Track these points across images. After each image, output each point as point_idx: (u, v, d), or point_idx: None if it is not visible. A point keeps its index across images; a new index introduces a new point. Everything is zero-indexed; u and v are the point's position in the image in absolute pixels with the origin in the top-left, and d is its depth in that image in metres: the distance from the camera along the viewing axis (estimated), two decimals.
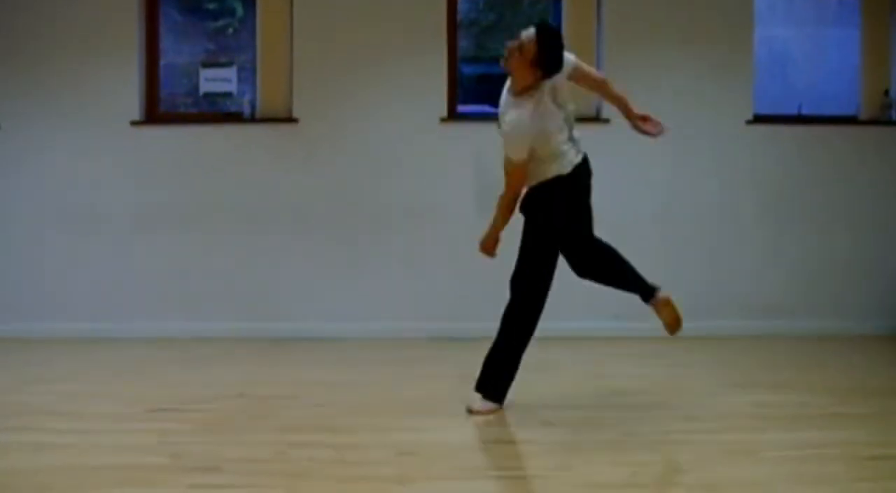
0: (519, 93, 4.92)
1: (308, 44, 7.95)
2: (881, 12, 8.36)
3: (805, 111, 8.43)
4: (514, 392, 5.21)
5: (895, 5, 8.34)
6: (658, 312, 5.06)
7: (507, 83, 5.06)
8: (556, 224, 5.01)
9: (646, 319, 7.87)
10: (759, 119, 8.16)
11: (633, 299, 7.76)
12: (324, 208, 7.97)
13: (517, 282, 5.20)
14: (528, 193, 5.10)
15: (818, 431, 4.63)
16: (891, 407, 5.19)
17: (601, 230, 7.62)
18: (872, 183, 8.16)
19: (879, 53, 8.34)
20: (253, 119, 8.04)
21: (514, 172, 4.95)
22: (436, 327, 7.88)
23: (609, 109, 7.94)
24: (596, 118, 8.05)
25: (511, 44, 4.91)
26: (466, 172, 8.00)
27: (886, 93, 8.27)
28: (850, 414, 4.93)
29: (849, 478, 3.86)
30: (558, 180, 4.95)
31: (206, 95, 8.18)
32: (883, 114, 8.24)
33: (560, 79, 4.95)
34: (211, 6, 8.55)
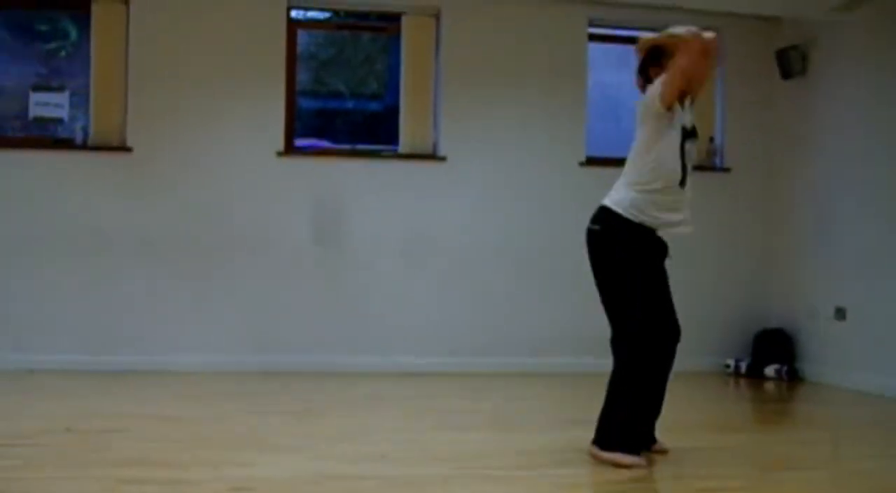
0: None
1: (144, 71, 7.80)
2: None
3: None
4: (349, 427, 5.18)
5: (720, 56, 8.68)
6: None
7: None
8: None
9: (480, 354, 8.06)
10: (591, 161, 8.37)
11: (468, 334, 7.90)
12: (160, 239, 7.81)
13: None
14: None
15: (650, 465, 4.75)
16: (719, 441, 5.36)
17: (441, 263, 7.73)
18: (699, 226, 8.41)
19: (705, 103, 8.66)
20: (85, 146, 7.83)
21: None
22: (272, 360, 7.81)
23: (445, 147, 8.08)
24: (433, 156, 8.14)
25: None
26: (304, 206, 7.98)
27: (711, 140, 8.61)
28: (681, 448, 5.06)
29: None
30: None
31: (37, 119, 7.94)
32: (708, 160, 8.58)
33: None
34: (43, 27, 8.33)
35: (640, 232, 4.65)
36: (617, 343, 4.71)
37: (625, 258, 4.66)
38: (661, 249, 4.78)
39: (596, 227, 4.74)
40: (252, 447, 5.02)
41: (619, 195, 4.69)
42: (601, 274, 4.73)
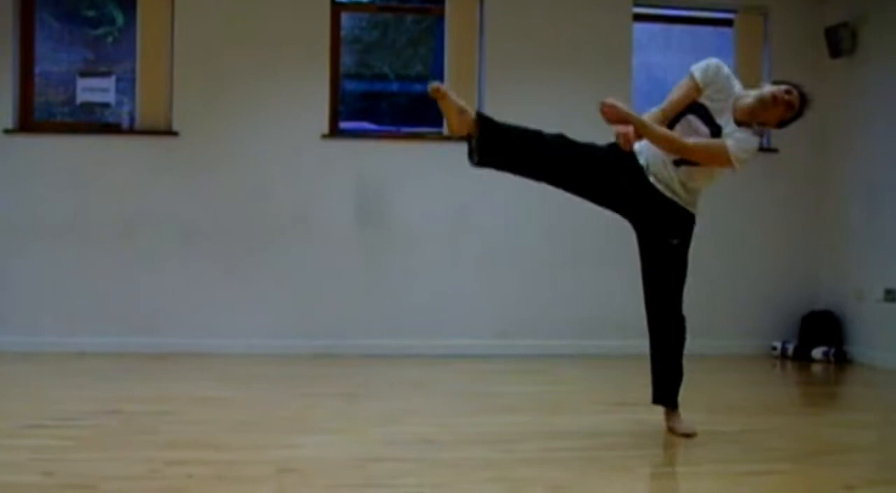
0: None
1: (189, 56, 7.85)
2: (754, 43, 8.61)
3: None
4: (393, 410, 5.20)
5: (767, 37, 8.61)
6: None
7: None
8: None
9: (527, 336, 8.05)
10: None
11: (515, 316, 7.91)
12: (205, 222, 7.87)
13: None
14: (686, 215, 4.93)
15: (692, 448, 4.73)
16: (765, 424, 5.33)
17: (486, 244, 7.77)
18: (747, 208, 8.40)
19: (752, 83, 8.53)
20: (132, 130, 7.90)
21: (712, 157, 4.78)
22: (318, 343, 7.85)
23: None
24: None
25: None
26: (347, 188, 8.00)
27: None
28: (726, 431, 5.05)
29: None
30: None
31: (84, 104, 8.02)
32: None
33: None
34: (90, 14, 8.39)
35: None
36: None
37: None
38: None
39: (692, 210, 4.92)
40: (297, 429, 5.07)
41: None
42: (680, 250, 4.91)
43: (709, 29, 9.16)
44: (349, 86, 8.75)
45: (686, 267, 4.91)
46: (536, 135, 4.86)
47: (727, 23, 8.73)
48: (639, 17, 8.56)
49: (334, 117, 8.13)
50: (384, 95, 9.33)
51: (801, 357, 8.15)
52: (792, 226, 8.60)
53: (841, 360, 8.04)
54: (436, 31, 8.74)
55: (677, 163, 4.77)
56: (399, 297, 8.03)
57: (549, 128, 8.08)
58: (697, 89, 4.80)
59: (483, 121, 4.67)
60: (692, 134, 4.76)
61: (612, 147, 4.85)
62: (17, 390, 6.12)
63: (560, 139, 4.91)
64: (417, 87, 9.79)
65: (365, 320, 7.99)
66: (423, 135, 8.40)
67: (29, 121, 7.90)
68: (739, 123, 4.76)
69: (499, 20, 8.18)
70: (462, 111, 4.60)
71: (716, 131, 4.76)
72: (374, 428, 5.10)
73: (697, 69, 4.82)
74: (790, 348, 8.24)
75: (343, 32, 8.33)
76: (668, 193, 4.83)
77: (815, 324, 8.26)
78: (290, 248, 7.97)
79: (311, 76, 8.01)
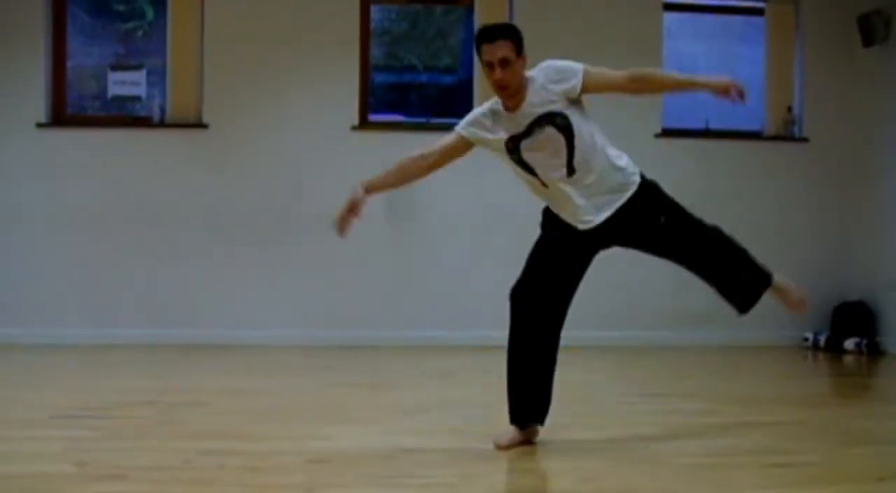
0: None
1: (219, 49, 7.89)
2: (785, 32, 8.56)
3: (712, 126, 8.60)
4: (423, 401, 5.21)
5: (799, 26, 8.55)
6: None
7: None
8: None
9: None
10: (666, 132, 8.31)
11: None
12: (235, 215, 7.91)
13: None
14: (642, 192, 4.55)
15: (725, 439, 4.72)
16: (796, 416, 5.30)
17: (514, 235, 7.77)
18: (778, 197, 8.36)
19: (783, 71, 8.54)
20: (162, 123, 7.95)
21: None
22: (347, 334, 7.87)
23: None
24: None
25: None
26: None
27: (790, 110, 8.47)
28: (757, 423, 5.03)
29: (754, 486, 3.93)
30: None
31: (115, 98, 8.07)
32: (786, 130, 8.44)
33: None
34: (120, 8, 8.44)
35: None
36: None
37: None
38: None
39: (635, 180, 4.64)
40: (327, 420, 5.09)
41: None
42: None
43: (739, 18, 9.10)
44: (378, 78, 8.75)
45: (678, 204, 4.58)
46: None
47: (758, 11, 8.67)
48: (669, 7, 8.52)
49: (364, 109, 8.15)
50: (413, 87, 9.32)
51: (832, 348, 8.10)
52: (823, 216, 8.54)
53: (873, 351, 7.98)
54: (465, 23, 8.73)
55: (570, 174, 4.40)
56: (427, 288, 8.05)
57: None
58: (465, 147, 4.62)
59: None
60: (547, 143, 4.38)
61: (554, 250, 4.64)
62: (48, 382, 6.19)
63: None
64: (447, 78, 9.77)
65: (393, 311, 8.01)
66: (453, 126, 8.37)
67: (61, 115, 7.96)
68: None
69: (528, 10, 8.16)
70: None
71: (561, 121, 4.41)
72: (404, 418, 5.12)
73: (461, 123, 4.58)
74: (822, 339, 8.19)
75: (372, 25, 8.34)
76: (618, 203, 4.47)
77: (847, 315, 8.21)
78: (319, 240, 7.95)
79: (340, 68, 8.03)
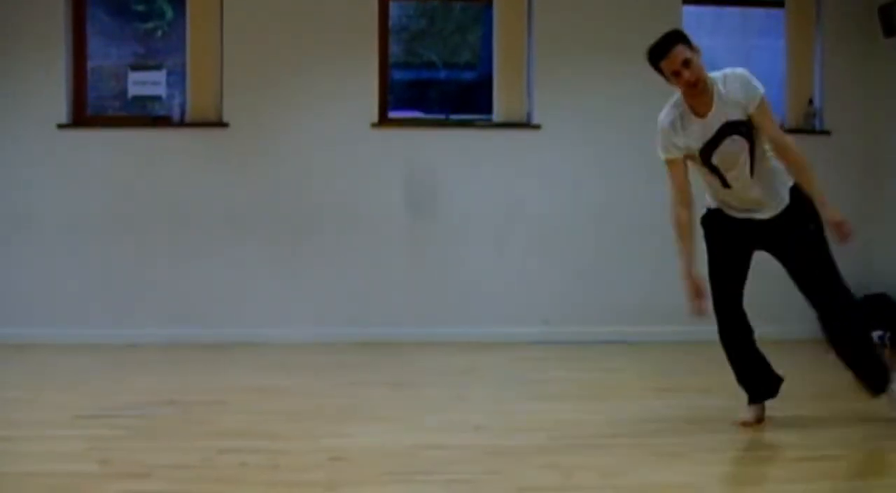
0: None
1: (238, 48, 7.89)
2: (805, 24, 8.51)
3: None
4: (443, 398, 5.22)
5: (819, 17, 8.50)
6: None
7: None
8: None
9: (573, 324, 8.03)
10: None
11: (561, 304, 7.91)
12: (255, 213, 7.91)
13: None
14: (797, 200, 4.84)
15: (747, 434, 4.71)
16: (818, 411, 5.28)
17: (535, 232, 7.76)
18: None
19: (803, 64, 8.48)
20: (182, 123, 7.95)
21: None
22: (367, 332, 7.87)
23: (539, 116, 8.05)
24: (527, 125, 8.11)
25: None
26: (397, 177, 8.02)
27: (811, 102, 8.42)
28: (780, 418, 5.01)
29: (778, 479, 3.93)
30: None
31: (135, 98, 8.09)
32: (807, 122, 8.40)
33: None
34: (140, 8, 8.46)
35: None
36: None
37: None
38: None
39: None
40: (347, 417, 5.10)
41: None
42: None
43: (759, 10, 9.05)
44: (397, 74, 8.75)
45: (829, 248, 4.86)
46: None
47: (778, 3, 8.62)
48: (689, 1, 8.48)
49: (383, 106, 8.14)
50: (432, 84, 9.32)
51: None
52: (844, 209, 8.31)
53: None
54: (484, 19, 8.72)
55: (751, 176, 4.71)
56: (447, 285, 8.04)
57: (601, 115, 8.10)
58: (683, 158, 4.74)
59: None
60: (736, 151, 4.64)
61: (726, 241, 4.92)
62: (70, 382, 6.21)
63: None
64: (466, 74, 9.78)
65: (413, 309, 8.00)
66: (472, 122, 8.38)
67: (82, 115, 7.99)
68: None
69: (547, 7, 8.14)
70: None
71: (745, 129, 4.63)
72: (425, 416, 5.13)
73: (660, 151, 4.77)
74: None
75: (391, 21, 8.34)
76: (783, 205, 4.79)
77: (870, 307, 8.15)
78: (340, 236, 7.99)
79: (359, 65, 8.02)
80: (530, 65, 8.13)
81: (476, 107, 8.50)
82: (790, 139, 4.72)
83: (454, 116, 8.50)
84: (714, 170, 4.68)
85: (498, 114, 8.13)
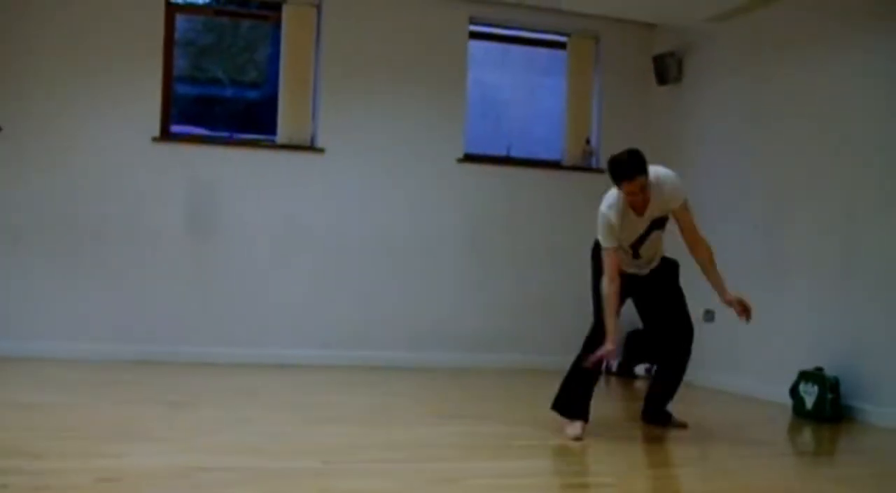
0: None
1: (16, 50, 7.56)
2: (586, 67, 8.85)
3: (514, 153, 8.80)
4: (220, 419, 5.11)
5: (599, 62, 8.84)
6: None
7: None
8: None
9: (353, 348, 8.05)
10: (469, 158, 8.45)
11: (345, 327, 7.91)
12: (34, 224, 7.57)
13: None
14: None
15: (520, 461, 4.80)
16: (593, 438, 5.43)
17: (315, 255, 7.74)
18: (574, 226, 8.56)
19: (583, 104, 8.81)
20: None
21: None
22: (144, 349, 7.66)
23: (323, 139, 8.04)
24: (311, 147, 8.09)
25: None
26: (178, 193, 7.86)
27: (588, 141, 8.73)
28: (552, 445, 5.13)
29: None
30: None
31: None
32: (584, 160, 8.70)
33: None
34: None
35: None
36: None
37: None
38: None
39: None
40: (120, 437, 4.92)
41: None
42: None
43: (543, 50, 9.34)
44: (182, 89, 8.58)
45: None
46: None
47: (561, 45, 8.93)
48: (475, 35, 8.67)
49: (166, 120, 7.95)
50: (218, 100, 9.21)
51: (624, 373, 8.38)
52: None
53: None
54: (272, 38, 8.67)
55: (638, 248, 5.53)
56: (228, 305, 7.92)
57: (385, 140, 8.18)
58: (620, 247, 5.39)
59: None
60: (654, 239, 5.49)
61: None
62: None
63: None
64: (251, 93, 9.70)
65: (193, 327, 7.84)
66: (257, 142, 8.32)
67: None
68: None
69: (336, 29, 8.18)
70: None
71: (662, 221, 5.44)
72: (200, 437, 5.01)
73: (605, 241, 5.35)
74: (614, 364, 8.41)
75: (177, 34, 8.16)
76: (657, 264, 5.67)
77: (638, 341, 8.43)
78: (119, 250, 7.74)
79: (143, 76, 7.82)
80: (317, 87, 8.14)
81: (261, 126, 8.45)
82: (703, 235, 5.46)
83: (238, 136, 8.41)
84: (635, 252, 5.48)
85: (282, 136, 8.09)
